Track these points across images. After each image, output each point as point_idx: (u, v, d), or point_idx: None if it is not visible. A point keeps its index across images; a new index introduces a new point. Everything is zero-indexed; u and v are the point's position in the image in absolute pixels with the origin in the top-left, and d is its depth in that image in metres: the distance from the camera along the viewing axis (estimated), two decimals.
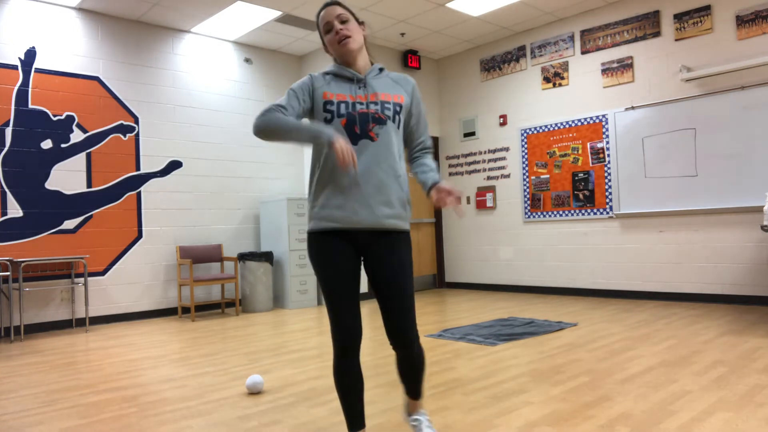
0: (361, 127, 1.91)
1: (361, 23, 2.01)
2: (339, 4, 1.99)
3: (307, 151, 7.55)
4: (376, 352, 3.99)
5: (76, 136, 5.77)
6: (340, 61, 2.00)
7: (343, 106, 1.92)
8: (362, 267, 2.03)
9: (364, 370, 3.49)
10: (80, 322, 5.72)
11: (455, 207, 1.85)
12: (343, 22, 1.96)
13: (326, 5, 1.99)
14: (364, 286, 7.09)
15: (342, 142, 1.76)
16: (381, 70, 2.04)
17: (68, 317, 5.65)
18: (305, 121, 1.92)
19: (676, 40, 5.81)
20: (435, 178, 1.97)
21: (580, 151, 6.56)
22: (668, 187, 5.84)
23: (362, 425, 1.98)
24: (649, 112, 5.98)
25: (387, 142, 1.92)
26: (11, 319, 5.11)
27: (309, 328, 5.10)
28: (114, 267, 5.95)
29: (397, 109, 1.97)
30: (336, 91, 1.94)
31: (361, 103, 1.93)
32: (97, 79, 5.95)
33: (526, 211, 7.06)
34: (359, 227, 1.92)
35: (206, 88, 6.76)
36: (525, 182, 7.07)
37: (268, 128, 1.84)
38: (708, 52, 5.61)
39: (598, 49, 6.41)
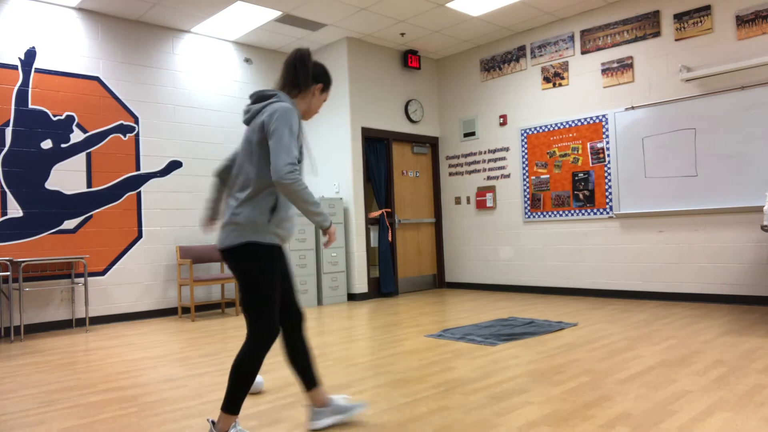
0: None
1: None
2: None
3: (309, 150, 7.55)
4: (376, 352, 4.00)
5: (76, 136, 5.77)
6: (301, 113, 2.42)
7: (304, 150, 2.45)
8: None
9: (363, 370, 3.50)
10: (80, 322, 5.72)
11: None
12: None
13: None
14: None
15: (333, 228, 2.27)
16: None
17: (68, 317, 5.65)
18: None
19: (676, 40, 5.81)
20: None
21: (580, 151, 6.56)
22: (668, 187, 5.84)
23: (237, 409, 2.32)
24: (649, 112, 5.98)
25: None
26: (11, 319, 5.12)
27: (309, 328, 5.10)
28: (114, 267, 5.95)
29: None
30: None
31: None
32: (97, 79, 5.95)
33: (526, 211, 7.06)
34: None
35: (206, 88, 6.76)
36: (525, 182, 7.07)
37: (296, 196, 2.13)
38: (708, 52, 5.61)
39: (598, 49, 6.41)
